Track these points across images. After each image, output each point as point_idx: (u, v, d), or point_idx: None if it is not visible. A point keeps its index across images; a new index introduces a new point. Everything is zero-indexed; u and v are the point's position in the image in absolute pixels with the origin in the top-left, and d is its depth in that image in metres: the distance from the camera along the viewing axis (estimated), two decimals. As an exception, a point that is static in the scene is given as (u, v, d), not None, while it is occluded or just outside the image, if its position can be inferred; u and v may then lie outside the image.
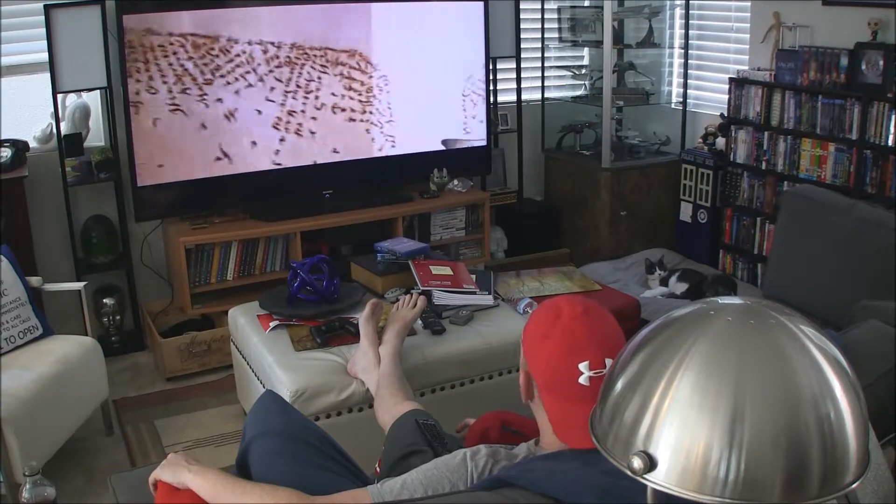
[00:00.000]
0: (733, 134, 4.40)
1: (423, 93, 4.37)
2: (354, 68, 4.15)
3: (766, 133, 4.21)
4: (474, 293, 3.12)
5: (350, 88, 4.17)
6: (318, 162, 4.15)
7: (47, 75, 3.58)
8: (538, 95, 5.04)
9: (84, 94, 3.81)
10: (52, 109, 3.67)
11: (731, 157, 4.43)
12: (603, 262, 4.44)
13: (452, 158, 4.50)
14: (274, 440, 1.65)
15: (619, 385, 0.99)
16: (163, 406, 3.48)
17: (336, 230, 4.12)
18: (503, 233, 4.93)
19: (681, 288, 3.98)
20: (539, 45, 4.96)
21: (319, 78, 4.08)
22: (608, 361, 1.43)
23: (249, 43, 3.86)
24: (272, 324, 2.93)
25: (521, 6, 4.73)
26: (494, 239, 4.84)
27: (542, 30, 4.94)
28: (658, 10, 4.82)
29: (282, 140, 4.04)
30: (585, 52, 5.14)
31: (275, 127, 4.01)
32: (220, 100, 3.85)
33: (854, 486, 0.90)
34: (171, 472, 1.58)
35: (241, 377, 3.20)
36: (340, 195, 4.21)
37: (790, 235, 3.51)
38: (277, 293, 3.14)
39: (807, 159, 4.03)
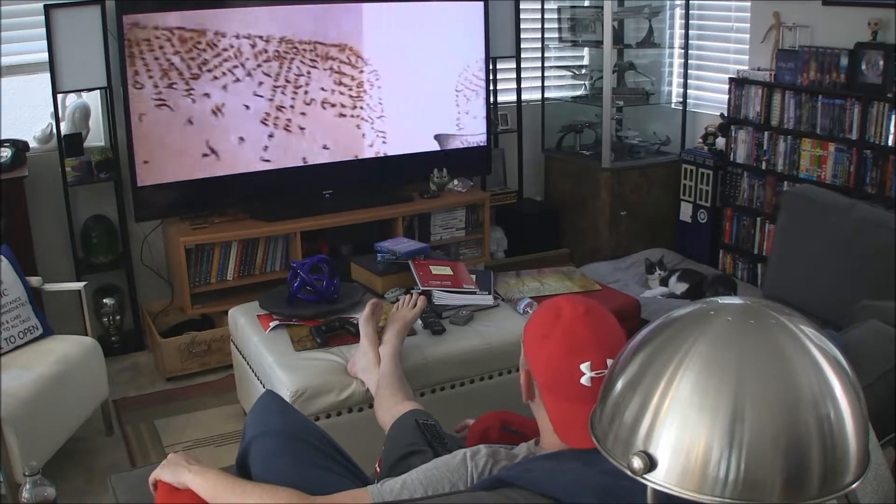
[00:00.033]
0: (733, 134, 4.40)
1: (415, 88, 4.32)
2: (345, 63, 4.09)
3: (766, 133, 4.21)
4: (474, 293, 3.11)
5: (340, 83, 4.10)
6: (308, 158, 4.11)
7: (47, 75, 3.58)
8: (538, 95, 5.04)
9: (84, 94, 3.81)
10: (52, 109, 3.67)
11: (731, 157, 4.42)
12: (603, 262, 4.44)
13: (452, 158, 4.49)
14: (274, 440, 1.65)
15: (619, 385, 0.99)
16: (163, 406, 3.48)
17: (336, 230, 4.12)
18: (503, 233, 4.92)
19: (681, 288, 3.98)
20: (539, 45, 4.96)
21: (309, 73, 4.02)
22: (610, 362, 1.42)
23: (237, 37, 3.80)
24: (272, 324, 2.93)
25: (521, 6, 4.73)
26: (494, 239, 4.84)
27: (542, 30, 4.94)
28: (658, 10, 4.82)
29: (270, 136, 3.99)
30: (585, 52, 5.14)
31: (263, 122, 3.96)
32: (207, 95, 3.80)
33: (854, 486, 0.90)
34: (171, 472, 1.58)
35: (241, 377, 3.20)
36: (340, 195, 4.20)
37: (790, 235, 3.51)
38: (277, 293, 3.14)
39: (807, 159, 4.02)
